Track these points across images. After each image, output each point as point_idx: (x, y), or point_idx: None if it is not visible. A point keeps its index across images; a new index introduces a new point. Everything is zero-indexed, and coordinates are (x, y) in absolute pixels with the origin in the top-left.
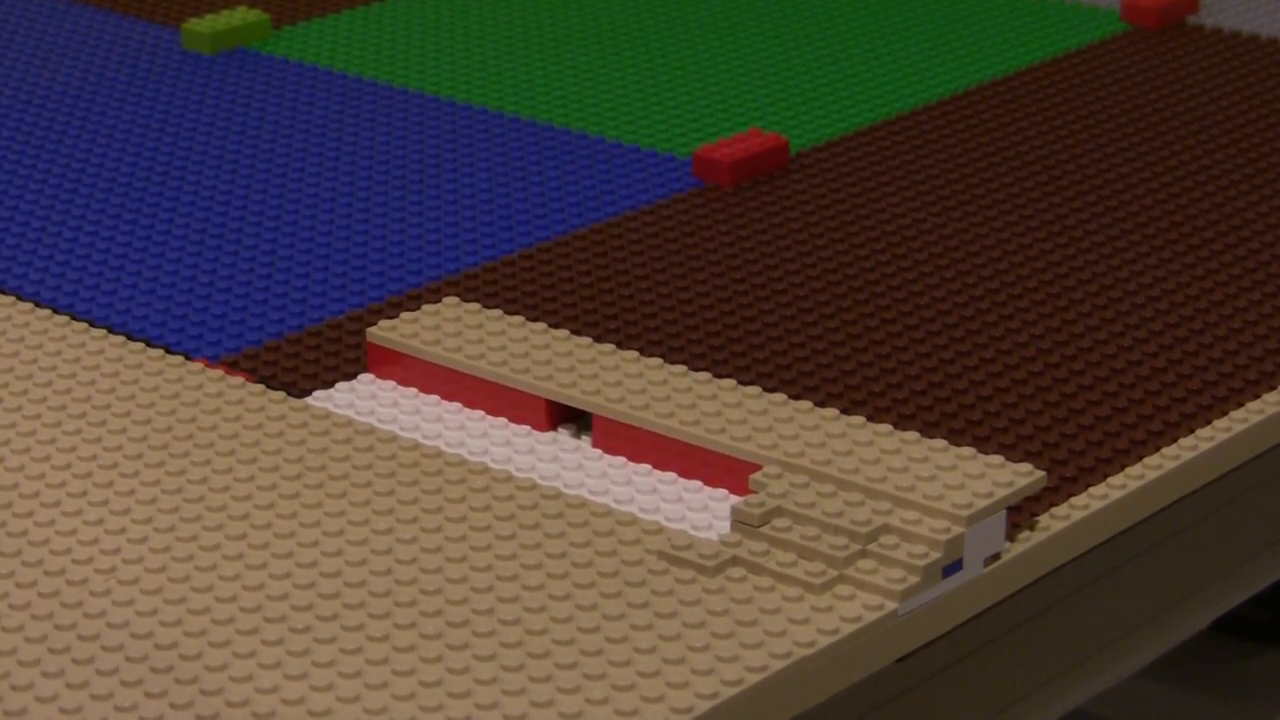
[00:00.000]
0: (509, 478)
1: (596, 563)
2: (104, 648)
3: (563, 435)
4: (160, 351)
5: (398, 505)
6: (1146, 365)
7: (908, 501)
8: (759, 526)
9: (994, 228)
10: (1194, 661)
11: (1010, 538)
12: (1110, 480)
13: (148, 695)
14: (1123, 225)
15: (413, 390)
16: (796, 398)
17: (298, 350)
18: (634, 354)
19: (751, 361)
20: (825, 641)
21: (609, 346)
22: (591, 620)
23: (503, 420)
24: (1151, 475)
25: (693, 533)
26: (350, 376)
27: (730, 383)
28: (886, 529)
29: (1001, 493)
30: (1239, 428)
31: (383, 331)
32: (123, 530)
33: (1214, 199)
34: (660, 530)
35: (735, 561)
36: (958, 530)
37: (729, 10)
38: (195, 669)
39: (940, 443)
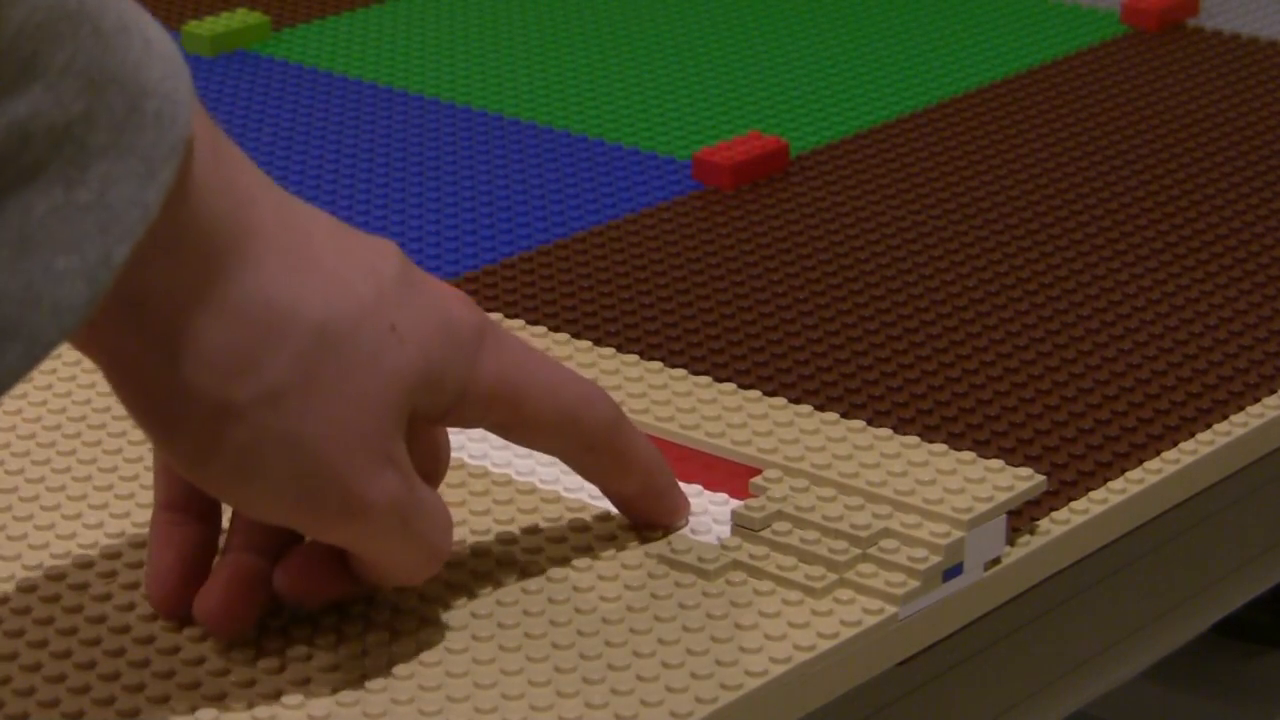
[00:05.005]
0: (509, 481)
1: (597, 566)
2: (105, 652)
3: None
4: None
5: None
6: (1146, 369)
7: (908, 505)
8: (759, 530)
9: (994, 230)
10: (1194, 664)
11: (1010, 541)
12: (1110, 484)
13: (149, 700)
14: (1123, 228)
15: None
16: (797, 401)
17: None
18: (634, 357)
19: (752, 365)
20: (825, 645)
21: (609, 350)
22: (591, 624)
23: None
24: (1151, 479)
25: (693, 536)
26: None
27: (730, 386)
28: (887, 533)
29: (1002, 496)
30: (1239, 431)
31: None
32: (123, 533)
33: (1214, 201)
34: (661, 534)
35: (735, 565)
36: (958, 534)
37: (729, 13)
38: (198, 674)
39: (940, 447)
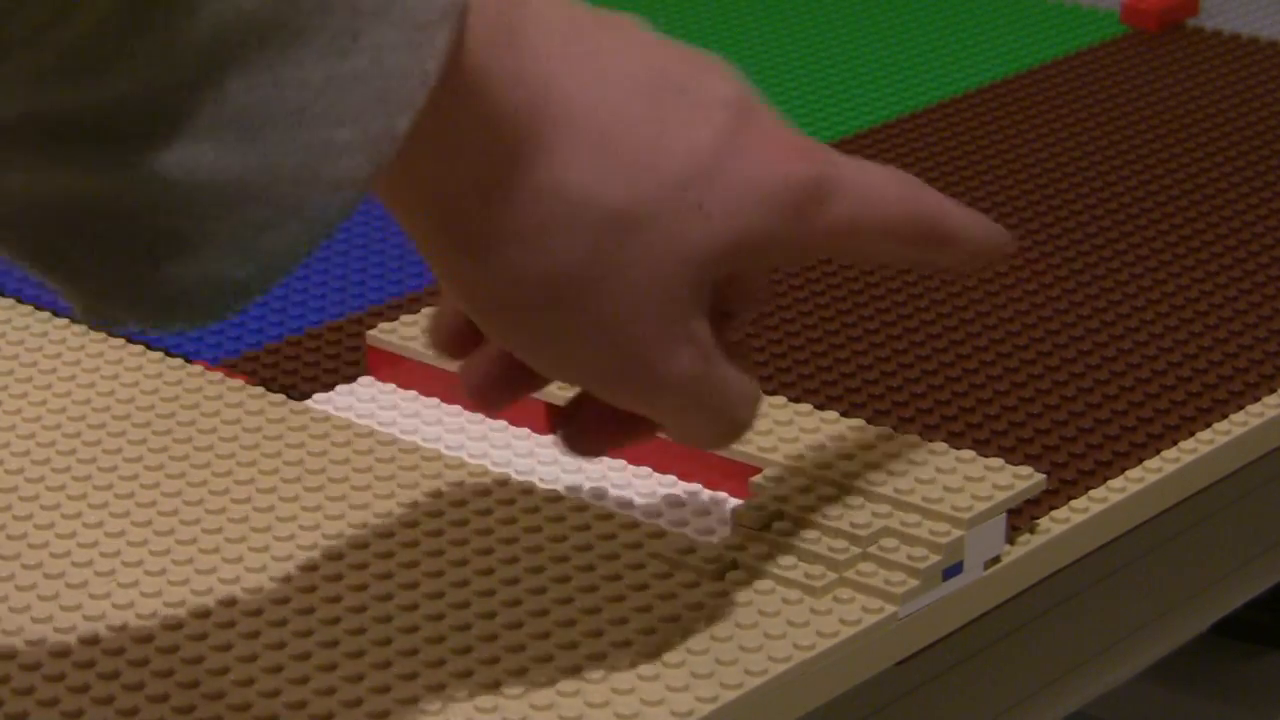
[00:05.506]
0: (510, 481)
1: (599, 566)
2: (104, 651)
3: None
4: (160, 354)
5: (398, 508)
6: (1146, 368)
7: (908, 504)
8: (760, 530)
9: None
10: (1194, 664)
11: (1010, 540)
12: (1110, 483)
13: (149, 699)
14: (1123, 228)
15: (413, 393)
16: (797, 401)
17: (298, 353)
18: None
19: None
20: (825, 644)
21: None
22: (593, 624)
23: (503, 423)
24: (1151, 479)
25: (694, 536)
26: (350, 379)
27: None
28: (887, 532)
29: (1001, 495)
30: (1239, 431)
31: (383, 334)
32: (122, 533)
33: (1214, 201)
34: (661, 533)
35: (736, 565)
36: (958, 533)
37: (729, 13)
38: (197, 673)
39: (940, 445)
